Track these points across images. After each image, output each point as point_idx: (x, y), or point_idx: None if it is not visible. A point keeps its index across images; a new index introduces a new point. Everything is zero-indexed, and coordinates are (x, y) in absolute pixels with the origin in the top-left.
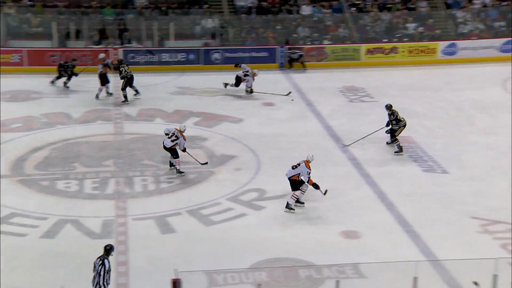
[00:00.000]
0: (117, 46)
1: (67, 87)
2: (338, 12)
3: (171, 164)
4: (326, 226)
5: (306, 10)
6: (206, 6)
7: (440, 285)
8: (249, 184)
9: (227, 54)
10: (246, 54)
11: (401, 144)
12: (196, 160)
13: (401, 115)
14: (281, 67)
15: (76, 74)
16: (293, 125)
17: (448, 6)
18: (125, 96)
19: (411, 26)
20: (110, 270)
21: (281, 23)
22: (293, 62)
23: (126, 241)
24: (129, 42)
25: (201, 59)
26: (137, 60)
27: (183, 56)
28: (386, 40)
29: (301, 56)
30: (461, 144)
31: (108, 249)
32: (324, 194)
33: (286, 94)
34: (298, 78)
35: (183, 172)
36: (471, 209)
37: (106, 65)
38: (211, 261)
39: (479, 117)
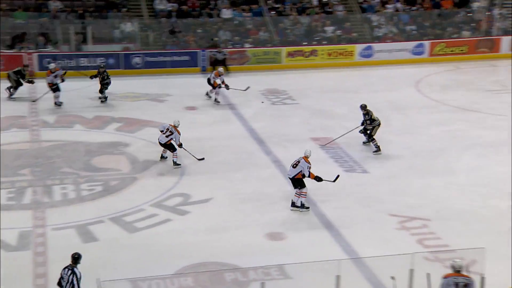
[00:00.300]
0: (31, 51)
1: (13, 98)
2: (258, 15)
3: (162, 157)
4: (251, 228)
5: (226, 13)
6: (124, 9)
7: (361, 281)
8: (173, 189)
9: (148, 58)
10: (168, 58)
11: (378, 144)
12: (193, 155)
13: (375, 114)
14: (203, 70)
15: (21, 84)
16: (216, 128)
17: (363, 10)
18: (106, 98)
19: (329, 29)
20: (81, 278)
21: (202, 26)
22: (216, 65)
23: (45, 252)
24: (45, 47)
25: (121, 64)
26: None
27: (102, 61)
28: (306, 43)
29: (225, 56)
30: (379, 144)
31: (76, 257)
32: (334, 181)
33: (245, 89)
34: None
35: (179, 164)
36: (389, 207)
37: (56, 77)
38: (135, 269)
39: (395, 117)
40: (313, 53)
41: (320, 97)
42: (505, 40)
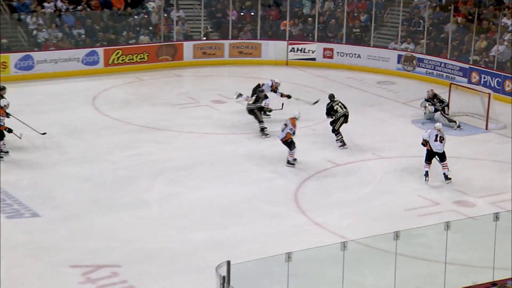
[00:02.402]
0: None
1: None
2: None
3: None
4: None
5: None
6: None
7: None
8: None
9: None
10: None
11: (343, 138)
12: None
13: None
14: None
15: None
16: None
17: (14, 10)
18: None
19: None
20: None
21: None
22: None
23: None
24: None
25: None
26: None
27: None
28: None
29: None
30: (51, 178)
31: None
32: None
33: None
34: None
35: (293, 164)
36: (69, 256)
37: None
38: None
39: (70, 143)
40: None
41: None
42: (186, 45)
